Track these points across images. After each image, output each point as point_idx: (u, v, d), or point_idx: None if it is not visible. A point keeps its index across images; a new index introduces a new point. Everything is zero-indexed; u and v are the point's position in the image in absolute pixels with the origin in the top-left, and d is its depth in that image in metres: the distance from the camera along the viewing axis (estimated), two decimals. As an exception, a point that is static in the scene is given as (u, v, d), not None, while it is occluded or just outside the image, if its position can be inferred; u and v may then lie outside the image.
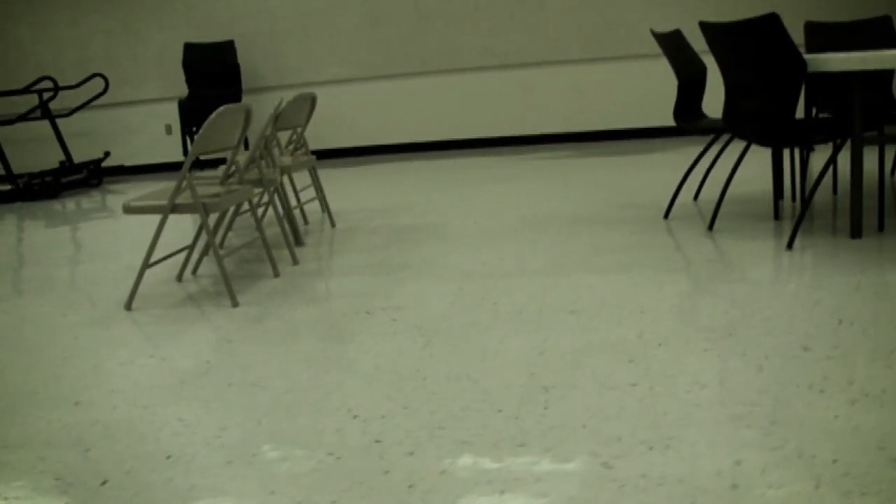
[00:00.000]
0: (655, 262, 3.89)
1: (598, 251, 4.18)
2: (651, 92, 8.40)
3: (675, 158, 7.06)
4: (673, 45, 4.59)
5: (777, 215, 4.59)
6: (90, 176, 8.94)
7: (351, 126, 9.28)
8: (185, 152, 8.51)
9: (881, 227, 4.14)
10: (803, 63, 3.76)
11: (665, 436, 2.18)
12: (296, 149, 5.28)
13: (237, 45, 9.10)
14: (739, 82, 4.05)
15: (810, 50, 5.46)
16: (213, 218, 5.47)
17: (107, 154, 9.32)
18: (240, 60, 9.11)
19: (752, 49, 3.86)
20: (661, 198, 5.37)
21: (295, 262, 4.50)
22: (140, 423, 2.62)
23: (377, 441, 2.33)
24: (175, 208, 3.86)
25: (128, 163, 9.62)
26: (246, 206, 5.72)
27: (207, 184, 4.38)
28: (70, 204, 8.02)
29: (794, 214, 4.59)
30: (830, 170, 5.02)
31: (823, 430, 2.14)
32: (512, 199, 5.91)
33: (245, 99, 9.03)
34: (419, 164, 8.43)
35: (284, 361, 3.04)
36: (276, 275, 4.29)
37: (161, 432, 2.53)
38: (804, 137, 3.97)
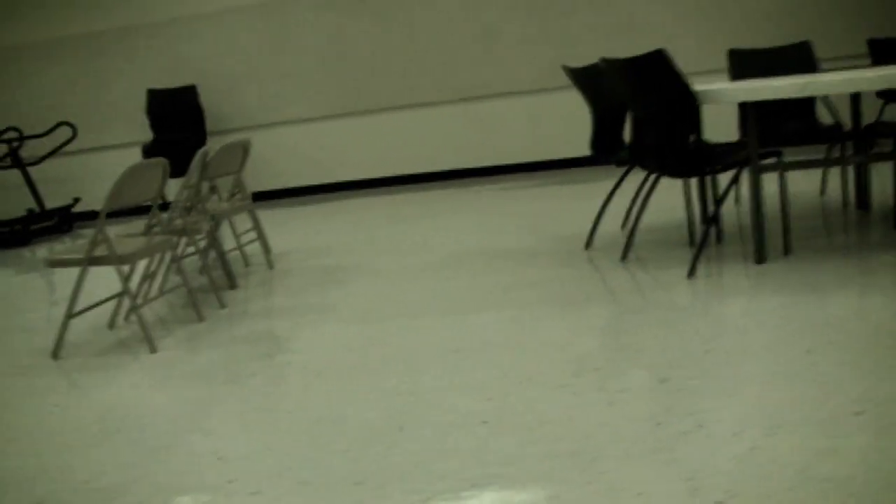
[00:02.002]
0: (556, 297, 3.97)
1: (509, 287, 4.26)
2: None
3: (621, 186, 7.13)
4: (587, 79, 4.69)
5: (693, 242, 4.66)
6: (61, 222, 9.08)
7: (315, 164, 9.41)
8: (153, 196, 8.63)
9: (787, 252, 4.22)
10: (694, 96, 3.85)
11: (491, 473, 2.26)
12: (232, 194, 5.39)
13: (200, 89, 9.25)
14: (641, 115, 4.14)
15: (735, 76, 5.56)
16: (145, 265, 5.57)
17: (76, 200, 9.46)
18: (203, 103, 9.25)
19: (647, 83, 3.97)
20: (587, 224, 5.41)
21: (222, 306, 4.60)
22: (24, 470, 2.72)
23: (230, 482, 2.43)
24: (93, 261, 3.97)
25: (98, 208, 9.73)
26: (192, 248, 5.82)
27: (135, 235, 4.49)
28: (41, 250, 8.15)
29: (712, 241, 4.66)
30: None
31: (642, 464, 2.22)
32: (448, 234, 6.01)
33: (210, 141, 9.17)
34: (377, 199, 8.55)
35: (176, 405, 3.13)
36: (201, 319, 4.38)
37: (39, 479, 2.63)
38: (703, 167, 4.06)
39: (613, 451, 2.31)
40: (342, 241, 6.32)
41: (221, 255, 5.06)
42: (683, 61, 8.39)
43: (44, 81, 9.75)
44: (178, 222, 4.55)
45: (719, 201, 4.00)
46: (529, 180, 8.45)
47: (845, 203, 5.24)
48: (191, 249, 5.75)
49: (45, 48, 9.66)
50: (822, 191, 5.77)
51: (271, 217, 8.19)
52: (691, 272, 4.03)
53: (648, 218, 5.44)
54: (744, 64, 5.56)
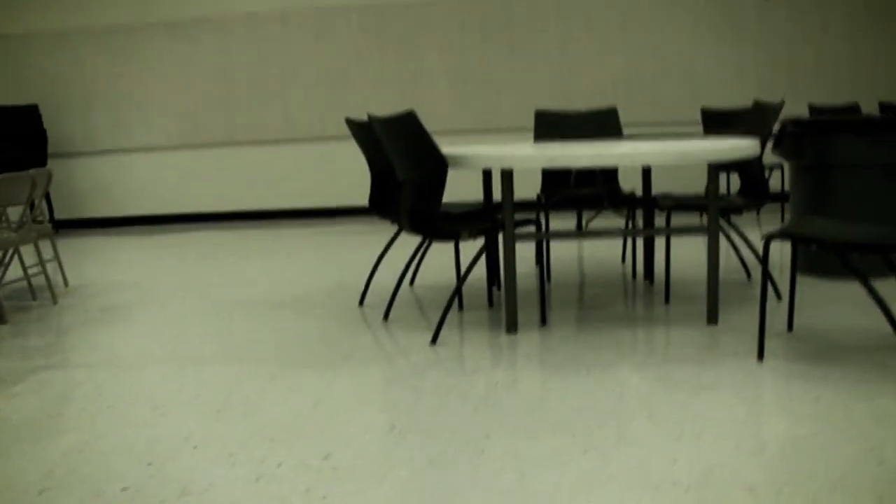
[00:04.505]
0: (302, 355, 3.92)
1: (268, 340, 4.21)
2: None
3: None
4: (366, 133, 4.66)
5: (462, 306, 4.65)
6: None
7: (156, 194, 9.28)
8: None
9: (544, 322, 4.23)
10: (443, 160, 3.86)
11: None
12: (19, 226, 5.24)
13: (43, 110, 9.05)
14: (400, 174, 4.13)
15: (538, 137, 5.61)
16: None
17: None
18: (46, 125, 9.05)
19: (401, 143, 3.96)
20: (388, 280, 5.39)
21: (-24, 343, 4.45)
22: None
23: None
24: None
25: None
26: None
27: None
28: None
29: (483, 305, 4.66)
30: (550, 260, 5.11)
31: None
32: (249, 275, 5.98)
33: (51, 164, 8.96)
34: (208, 234, 8.46)
35: None
36: (-54, 356, 4.23)
37: None
38: (454, 231, 4.06)
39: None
40: (146, 276, 6.21)
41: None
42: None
43: None
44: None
45: (469, 268, 4.00)
46: (363, 224, 8.44)
47: (634, 273, 5.31)
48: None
49: None
50: (623, 258, 5.84)
51: (92, 247, 8.03)
52: (434, 339, 4.02)
53: (438, 276, 5.44)
54: (548, 126, 5.62)
